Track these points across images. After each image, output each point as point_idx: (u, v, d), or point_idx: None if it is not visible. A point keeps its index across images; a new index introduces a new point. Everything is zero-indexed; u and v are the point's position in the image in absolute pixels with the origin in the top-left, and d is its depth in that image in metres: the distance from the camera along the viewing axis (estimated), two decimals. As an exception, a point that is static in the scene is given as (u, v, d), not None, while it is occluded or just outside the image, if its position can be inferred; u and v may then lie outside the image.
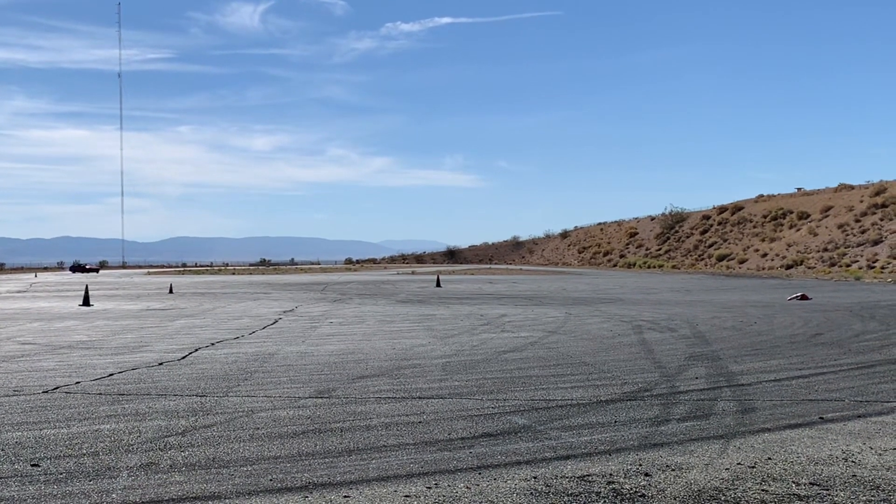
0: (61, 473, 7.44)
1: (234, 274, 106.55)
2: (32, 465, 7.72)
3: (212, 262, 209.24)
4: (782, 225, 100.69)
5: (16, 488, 7.00)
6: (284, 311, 30.75)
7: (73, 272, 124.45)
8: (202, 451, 8.22)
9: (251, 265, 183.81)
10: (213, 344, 18.69)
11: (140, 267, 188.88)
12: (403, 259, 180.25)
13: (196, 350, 17.40)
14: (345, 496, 6.69)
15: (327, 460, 7.90)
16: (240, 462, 7.79)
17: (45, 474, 7.42)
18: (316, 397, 11.47)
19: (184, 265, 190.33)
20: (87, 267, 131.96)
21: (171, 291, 49.08)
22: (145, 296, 45.65)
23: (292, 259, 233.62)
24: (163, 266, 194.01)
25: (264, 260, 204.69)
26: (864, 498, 6.64)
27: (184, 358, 16.04)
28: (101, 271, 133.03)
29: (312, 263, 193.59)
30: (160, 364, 15.13)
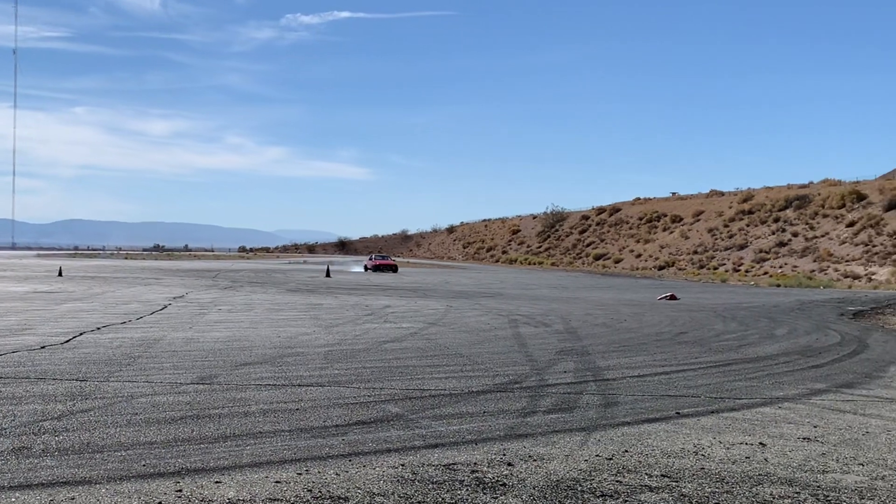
0: (-68, 456, 7.19)
1: (126, 259, 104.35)
2: None
3: (104, 246, 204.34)
4: (656, 227, 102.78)
5: None
6: (174, 298, 30.22)
7: None
8: (77, 436, 8.02)
9: (145, 250, 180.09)
10: (98, 328, 18.26)
11: (31, 249, 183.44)
12: (296, 249, 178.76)
13: (81, 334, 16.97)
14: (216, 482, 6.62)
15: (202, 446, 7.80)
16: (114, 447, 7.63)
17: (-85, 456, 7.16)
18: (197, 383, 11.30)
19: (76, 248, 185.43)
20: None
21: (60, 274, 47.82)
22: (33, 278, 44.37)
23: (186, 245, 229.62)
24: (54, 249, 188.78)
25: (158, 245, 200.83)
26: (710, 490, 6.83)
27: (67, 342, 15.63)
28: None
29: (206, 250, 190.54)
30: (42, 347, 14.71)
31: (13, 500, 6.02)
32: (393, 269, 73.42)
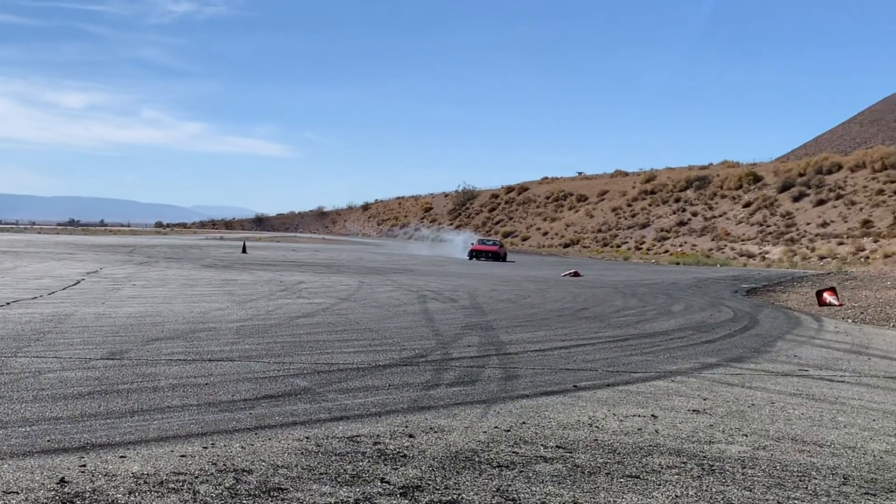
0: None
1: (40, 233, 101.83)
2: None
3: (17, 220, 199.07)
4: (563, 206, 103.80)
5: None
6: (88, 273, 29.57)
7: None
8: (-18, 412, 7.83)
9: (59, 225, 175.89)
10: (8, 304, 17.78)
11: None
12: (213, 225, 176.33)
13: (-9, 309, 16.52)
14: (121, 456, 6.52)
15: (109, 421, 7.67)
16: (19, 423, 7.46)
17: None
18: (107, 359, 11.10)
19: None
20: None
21: (-27, 249, 46.52)
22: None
23: (102, 220, 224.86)
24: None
25: (73, 220, 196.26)
26: (602, 460, 6.96)
27: (-23, 317, 15.20)
28: None
29: (123, 226, 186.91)
30: (-49, 323, 14.29)
31: (-87, 476, 5.85)
32: (497, 256, 55.13)
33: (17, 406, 8.12)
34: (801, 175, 78.65)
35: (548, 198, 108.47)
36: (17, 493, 5.56)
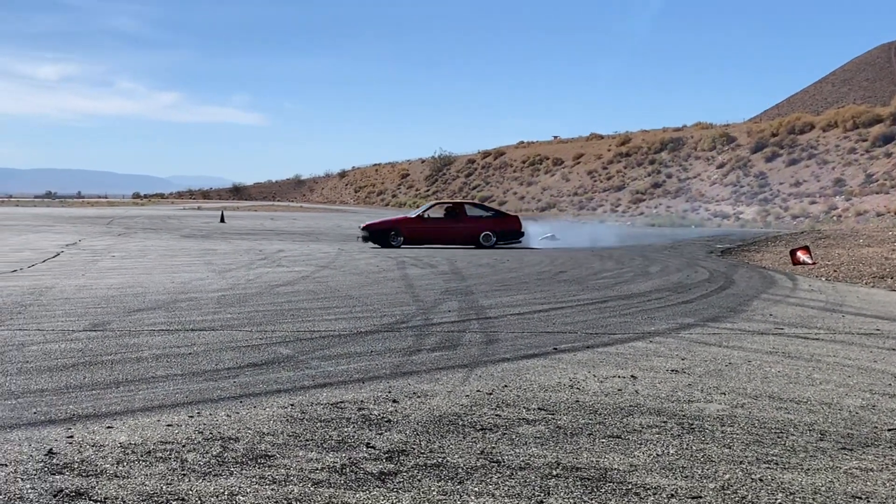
0: None
1: (17, 206, 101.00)
2: None
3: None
4: (539, 170, 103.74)
5: None
6: (67, 245, 29.41)
7: None
8: (-33, 385, 7.81)
9: (36, 197, 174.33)
10: (-11, 277, 17.68)
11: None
12: (191, 195, 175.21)
13: (-29, 283, 16.42)
14: (108, 426, 6.53)
15: (94, 392, 7.67)
16: (4, 396, 7.45)
17: None
18: (90, 330, 11.08)
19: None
20: None
21: (-50, 223, 46.11)
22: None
23: (79, 192, 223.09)
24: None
25: (50, 193, 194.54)
26: (584, 421, 7.01)
27: (-43, 291, 15.11)
28: None
29: (100, 197, 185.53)
30: (-68, 297, 14.20)
31: None
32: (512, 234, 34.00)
33: (1, 379, 8.10)
34: (773, 135, 78.87)
35: (524, 162, 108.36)
36: (6, 465, 5.57)
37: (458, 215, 31.53)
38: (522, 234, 31.91)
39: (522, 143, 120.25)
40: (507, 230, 31.43)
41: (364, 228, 31.75)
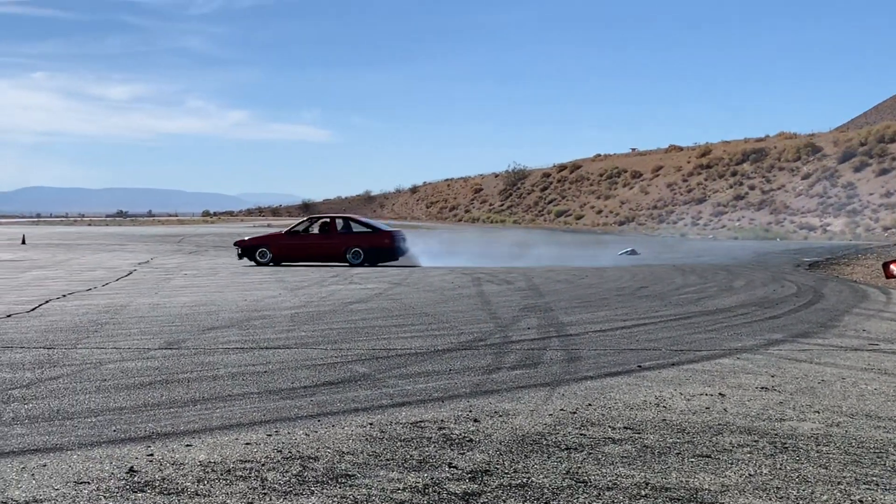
0: None
1: (90, 225, 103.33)
2: None
3: (67, 213, 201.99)
4: (617, 183, 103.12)
5: None
6: (139, 263, 30.03)
7: None
8: (46, 404, 8.01)
9: (108, 217, 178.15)
10: (64, 296, 18.12)
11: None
12: (260, 212, 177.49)
13: (47, 302, 16.85)
14: (187, 445, 6.64)
15: (172, 410, 7.82)
16: (84, 414, 7.63)
17: None
18: (165, 349, 11.29)
19: (38, 216, 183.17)
20: None
21: (23, 242, 47.22)
22: (-2, 247, 43.87)
23: (150, 211, 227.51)
24: (16, 217, 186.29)
25: (121, 212, 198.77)
26: (672, 440, 6.94)
27: (33, 310, 15.51)
28: None
29: (170, 215, 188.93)
30: (8, 316, 14.59)
31: (-15, 468, 6.01)
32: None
33: (80, 397, 8.29)
34: (862, 144, 77.39)
35: (601, 175, 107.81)
36: (89, 482, 5.69)
37: (329, 231, 29.80)
38: (396, 251, 29.50)
39: (599, 155, 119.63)
40: (376, 247, 29.12)
41: (236, 244, 31.24)
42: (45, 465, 6.07)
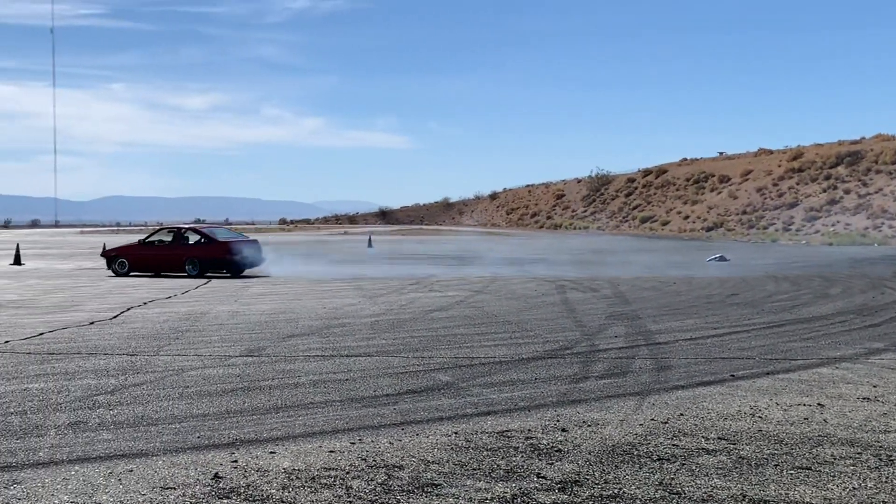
0: (-11, 432, 7.37)
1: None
2: (-40, 424, 7.65)
3: (146, 222, 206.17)
4: (704, 188, 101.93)
5: (-57, 447, 6.93)
6: (217, 271, 30.48)
7: None
8: (131, 410, 8.20)
9: (186, 225, 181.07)
10: (145, 303, 18.53)
11: (73, 226, 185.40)
12: (337, 220, 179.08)
13: (128, 309, 17.23)
14: (271, 452, 6.73)
15: (255, 417, 7.93)
16: (168, 420, 7.79)
17: (-27, 433, 7.35)
18: (246, 356, 11.46)
19: (118, 225, 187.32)
20: None
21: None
22: (78, 255, 44.96)
23: (227, 219, 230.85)
24: (97, 226, 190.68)
25: (199, 220, 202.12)
26: (768, 451, 6.84)
27: (115, 317, 15.89)
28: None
29: (247, 223, 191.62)
30: (91, 323, 14.97)
31: (73, 472, 6.17)
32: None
33: (164, 403, 8.47)
34: (966, 145, 75.50)
35: (688, 180, 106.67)
36: (174, 488, 5.81)
37: (173, 242, 29.48)
38: (233, 262, 28.39)
39: (685, 159, 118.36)
40: (211, 258, 28.38)
41: (102, 255, 31.11)
42: (131, 471, 6.21)
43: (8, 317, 16.20)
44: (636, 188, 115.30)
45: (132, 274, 28.50)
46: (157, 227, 31.44)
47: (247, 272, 29.08)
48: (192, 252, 28.55)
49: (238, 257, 28.31)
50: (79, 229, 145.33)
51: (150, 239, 29.98)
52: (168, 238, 29.70)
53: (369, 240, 59.77)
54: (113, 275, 28.49)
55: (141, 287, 23.26)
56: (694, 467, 6.39)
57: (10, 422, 7.74)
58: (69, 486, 5.86)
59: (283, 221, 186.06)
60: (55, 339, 13.02)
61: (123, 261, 28.88)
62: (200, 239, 29.08)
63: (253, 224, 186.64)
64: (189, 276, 27.52)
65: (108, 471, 6.21)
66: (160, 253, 29.08)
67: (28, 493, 5.74)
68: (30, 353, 11.75)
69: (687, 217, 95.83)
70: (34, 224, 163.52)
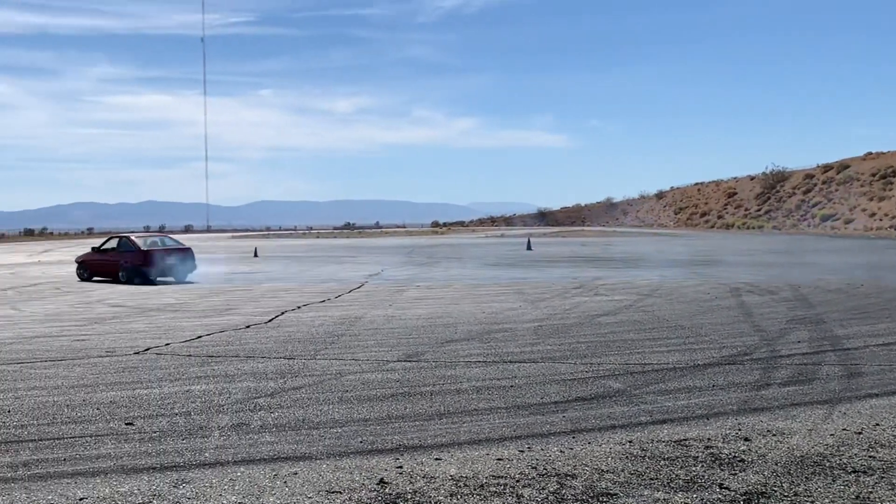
0: (155, 432, 7.72)
1: (318, 238, 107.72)
2: (127, 424, 8.03)
3: (296, 226, 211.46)
4: (892, 184, 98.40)
5: (111, 446, 7.29)
6: (370, 275, 31.07)
7: None
8: (291, 413, 8.45)
9: (336, 229, 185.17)
10: (299, 307, 19.03)
11: (224, 231, 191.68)
12: (492, 221, 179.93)
13: (283, 313, 17.74)
14: (436, 458, 6.83)
15: (417, 423, 8.06)
16: (329, 424, 7.99)
17: (140, 433, 7.71)
18: (404, 361, 11.64)
19: (268, 229, 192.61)
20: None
21: (255, 255, 49.79)
22: (231, 259, 46.45)
23: (377, 222, 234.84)
24: (247, 230, 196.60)
25: (349, 223, 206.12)
26: (977, 465, 6.57)
27: (271, 321, 16.38)
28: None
29: (398, 227, 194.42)
30: (247, 327, 15.49)
31: (238, 473, 6.41)
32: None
33: (324, 407, 8.69)
34: None
35: (873, 175, 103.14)
36: (340, 492, 5.96)
37: (115, 249, 31.15)
38: (148, 271, 29.69)
39: (871, 153, 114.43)
40: (134, 266, 29.92)
41: (75, 261, 33.27)
42: (295, 474, 6.40)
43: (167, 319, 16.92)
44: (815, 185, 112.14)
45: (94, 279, 30.88)
46: (110, 237, 33.45)
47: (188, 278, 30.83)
48: (123, 259, 30.41)
49: (156, 267, 30.02)
50: (230, 234, 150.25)
51: (103, 247, 31.86)
52: (114, 245, 31.56)
53: (528, 242, 59.84)
54: (78, 279, 31.01)
55: (293, 291, 23.89)
56: (895, 480, 6.19)
57: (175, 422, 8.10)
58: (236, 487, 6.09)
59: (434, 224, 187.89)
60: (213, 342, 13.52)
61: (85, 267, 31.67)
62: (130, 247, 30.78)
63: (404, 227, 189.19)
64: (122, 283, 29.39)
65: (273, 473, 6.42)
66: (106, 260, 31.15)
67: (197, 492, 5.99)
68: (189, 355, 12.25)
69: (873, 214, 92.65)
70: (187, 229, 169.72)
